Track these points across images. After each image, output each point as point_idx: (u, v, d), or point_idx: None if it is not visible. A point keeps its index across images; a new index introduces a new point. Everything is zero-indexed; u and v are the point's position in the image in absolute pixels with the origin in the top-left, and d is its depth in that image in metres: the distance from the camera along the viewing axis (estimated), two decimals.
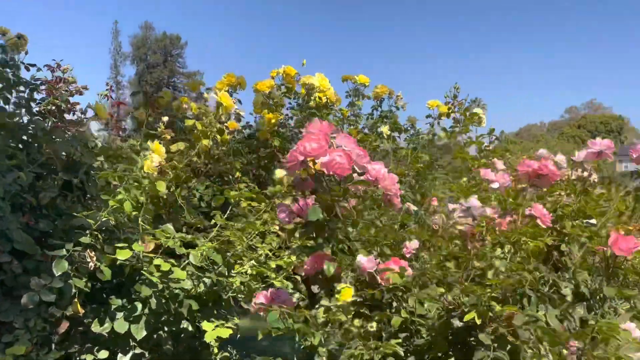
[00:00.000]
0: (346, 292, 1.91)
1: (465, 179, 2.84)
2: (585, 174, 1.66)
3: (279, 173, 2.74)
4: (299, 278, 2.57)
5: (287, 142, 3.16)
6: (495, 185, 1.66)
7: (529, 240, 1.39)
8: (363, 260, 1.36)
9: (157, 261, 1.72)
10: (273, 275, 2.29)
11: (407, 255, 1.46)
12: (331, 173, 1.29)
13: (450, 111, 2.84)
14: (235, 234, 1.96)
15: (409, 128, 3.29)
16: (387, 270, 1.33)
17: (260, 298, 1.70)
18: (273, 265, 2.42)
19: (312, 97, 2.87)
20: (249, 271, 2.31)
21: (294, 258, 2.45)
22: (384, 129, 2.99)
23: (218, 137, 2.01)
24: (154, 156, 1.64)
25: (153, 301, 1.75)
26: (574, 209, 1.65)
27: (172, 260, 1.78)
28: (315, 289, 2.93)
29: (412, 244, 1.46)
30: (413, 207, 1.77)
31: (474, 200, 1.50)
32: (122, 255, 1.63)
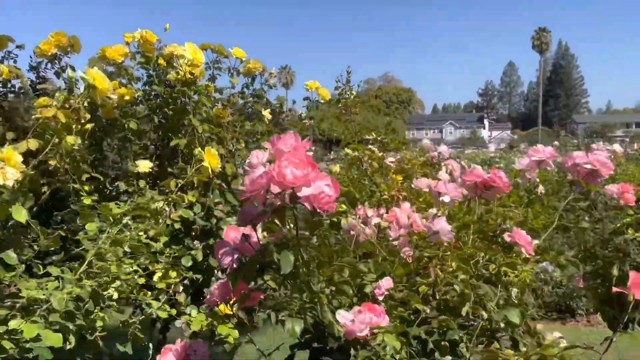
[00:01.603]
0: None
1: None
2: (529, 182, 1.56)
3: (144, 166, 2.21)
4: (181, 298, 2.11)
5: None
6: (446, 199, 1.46)
7: (510, 271, 1.22)
8: (347, 319, 1.03)
9: (14, 323, 1.15)
10: (152, 303, 1.81)
11: (380, 298, 1.17)
12: (315, 208, 0.93)
13: (340, 96, 2.59)
14: (119, 266, 1.46)
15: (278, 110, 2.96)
16: (379, 330, 1.02)
17: (169, 357, 1.27)
18: (142, 281, 1.93)
19: (176, 71, 2.34)
20: (114, 295, 1.80)
21: (174, 275, 1.99)
22: (265, 113, 2.62)
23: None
24: (8, 170, 1.06)
25: None
26: (516, 223, 1.55)
27: (37, 319, 1.22)
28: (181, 297, 2.48)
29: (386, 282, 1.18)
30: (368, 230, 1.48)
31: (442, 222, 1.27)
32: None
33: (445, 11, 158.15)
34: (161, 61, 2.48)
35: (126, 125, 2.38)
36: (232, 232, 1.13)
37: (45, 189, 1.48)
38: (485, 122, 79.98)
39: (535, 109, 77.67)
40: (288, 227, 1.01)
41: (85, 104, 1.38)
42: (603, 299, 2.41)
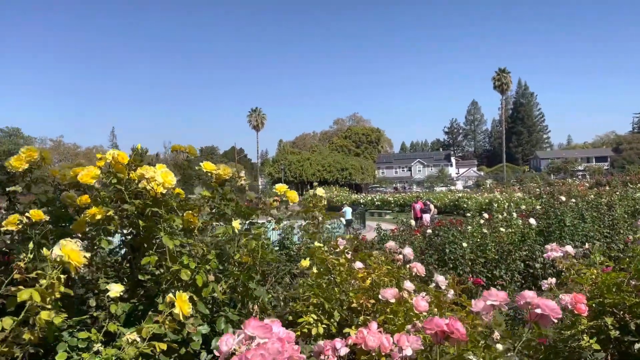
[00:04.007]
0: None
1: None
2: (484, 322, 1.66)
3: (115, 290, 2.23)
4: None
5: None
6: (409, 352, 1.55)
7: None
8: None
9: None
10: None
11: None
12: None
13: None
14: None
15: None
16: None
17: None
18: None
19: (141, 186, 2.41)
20: None
21: None
22: (235, 224, 2.67)
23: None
24: None
25: None
26: None
27: None
28: None
29: None
30: None
31: None
32: None
33: (411, 53, 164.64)
34: (133, 176, 2.54)
35: (97, 242, 2.42)
36: None
37: (17, 352, 1.50)
38: (452, 159, 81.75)
39: (500, 146, 79.94)
40: None
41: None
42: None
